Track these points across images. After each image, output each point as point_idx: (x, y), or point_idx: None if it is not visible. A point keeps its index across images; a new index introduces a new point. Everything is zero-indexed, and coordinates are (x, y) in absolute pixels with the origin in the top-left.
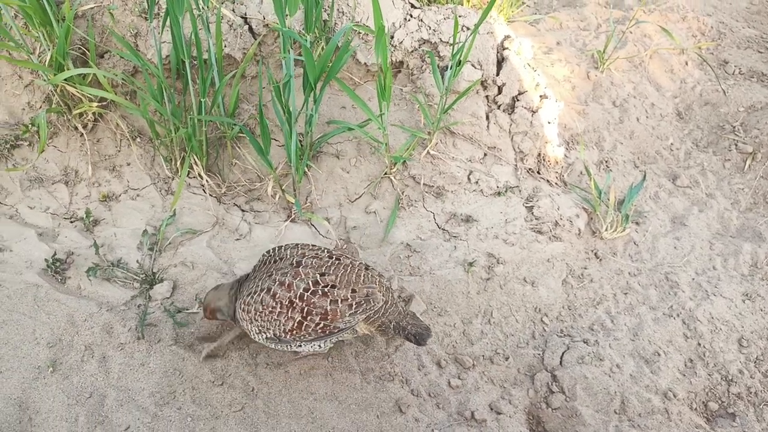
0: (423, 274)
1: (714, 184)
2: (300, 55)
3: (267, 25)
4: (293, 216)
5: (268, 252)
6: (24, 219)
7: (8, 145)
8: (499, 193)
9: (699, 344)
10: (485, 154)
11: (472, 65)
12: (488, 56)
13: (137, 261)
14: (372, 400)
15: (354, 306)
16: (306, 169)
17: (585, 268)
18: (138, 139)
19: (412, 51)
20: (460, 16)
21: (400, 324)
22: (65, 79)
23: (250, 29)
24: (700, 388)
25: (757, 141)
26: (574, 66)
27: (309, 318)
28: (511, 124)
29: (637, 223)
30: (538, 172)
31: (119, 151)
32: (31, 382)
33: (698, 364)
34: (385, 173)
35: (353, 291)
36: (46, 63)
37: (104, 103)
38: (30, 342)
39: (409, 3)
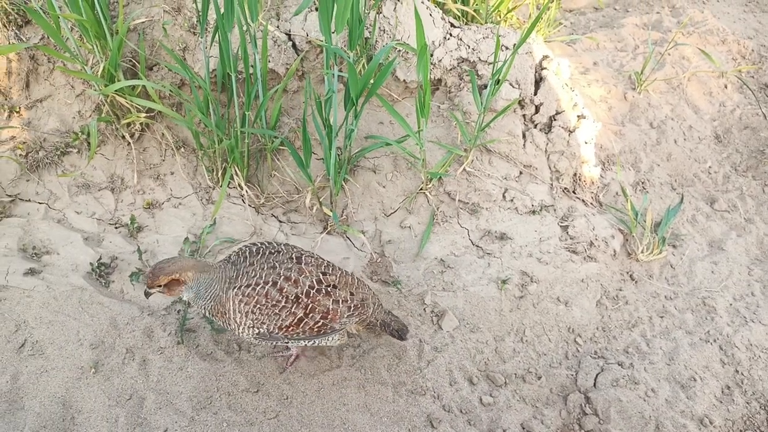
0: (456, 290)
1: (753, 208)
2: (341, 71)
3: (310, 41)
4: (329, 228)
5: (254, 244)
6: (71, 223)
7: (58, 152)
8: (533, 212)
9: (737, 371)
10: (521, 173)
11: (510, 84)
12: (526, 76)
13: None
14: (404, 414)
15: (352, 308)
16: (343, 183)
17: (620, 290)
18: (182, 150)
19: (451, 69)
20: (500, 36)
21: (385, 321)
22: (115, 90)
23: (294, 45)
24: (737, 415)
25: None
26: (611, 86)
27: (310, 315)
28: (547, 143)
29: (673, 246)
30: (574, 192)
31: (163, 161)
32: (75, 381)
33: (736, 391)
34: (421, 189)
35: (351, 294)
36: (99, 74)
37: (151, 114)
38: (74, 343)
39: (449, 22)
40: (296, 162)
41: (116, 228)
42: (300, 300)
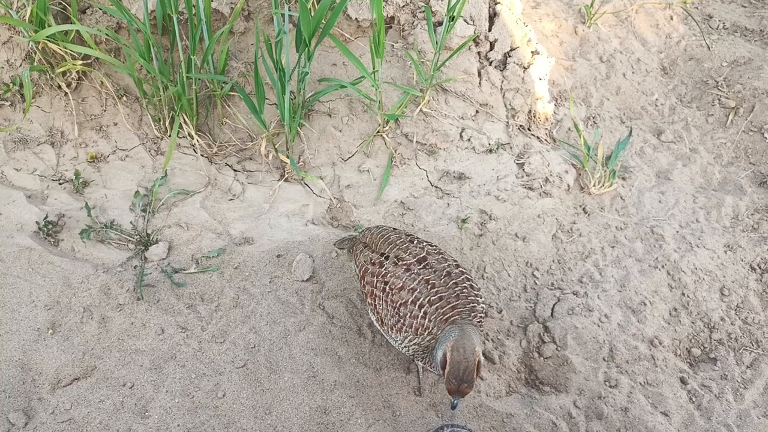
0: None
1: (697, 138)
2: (290, 10)
3: None
4: (287, 175)
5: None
6: (11, 181)
7: None
8: (490, 150)
9: (683, 294)
10: (477, 111)
11: (465, 21)
12: (480, 11)
13: (131, 222)
14: (371, 354)
15: None
16: (298, 128)
17: (574, 223)
18: (124, 98)
19: (404, 6)
20: None
21: None
22: (47, 36)
23: None
24: (684, 335)
25: (740, 96)
26: (562, 21)
27: None
28: (502, 81)
29: (623, 178)
30: (529, 129)
31: (105, 111)
32: (32, 344)
33: (682, 312)
34: (378, 131)
35: None
36: (27, 18)
37: (88, 61)
38: (27, 304)
39: None
40: (249, 108)
41: (60, 184)
42: None
